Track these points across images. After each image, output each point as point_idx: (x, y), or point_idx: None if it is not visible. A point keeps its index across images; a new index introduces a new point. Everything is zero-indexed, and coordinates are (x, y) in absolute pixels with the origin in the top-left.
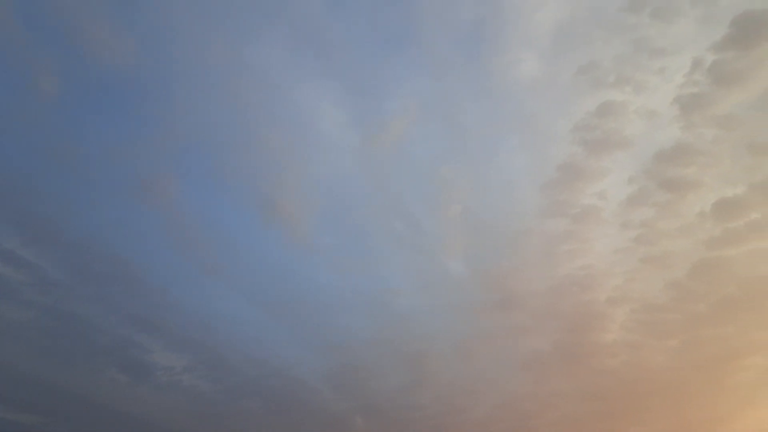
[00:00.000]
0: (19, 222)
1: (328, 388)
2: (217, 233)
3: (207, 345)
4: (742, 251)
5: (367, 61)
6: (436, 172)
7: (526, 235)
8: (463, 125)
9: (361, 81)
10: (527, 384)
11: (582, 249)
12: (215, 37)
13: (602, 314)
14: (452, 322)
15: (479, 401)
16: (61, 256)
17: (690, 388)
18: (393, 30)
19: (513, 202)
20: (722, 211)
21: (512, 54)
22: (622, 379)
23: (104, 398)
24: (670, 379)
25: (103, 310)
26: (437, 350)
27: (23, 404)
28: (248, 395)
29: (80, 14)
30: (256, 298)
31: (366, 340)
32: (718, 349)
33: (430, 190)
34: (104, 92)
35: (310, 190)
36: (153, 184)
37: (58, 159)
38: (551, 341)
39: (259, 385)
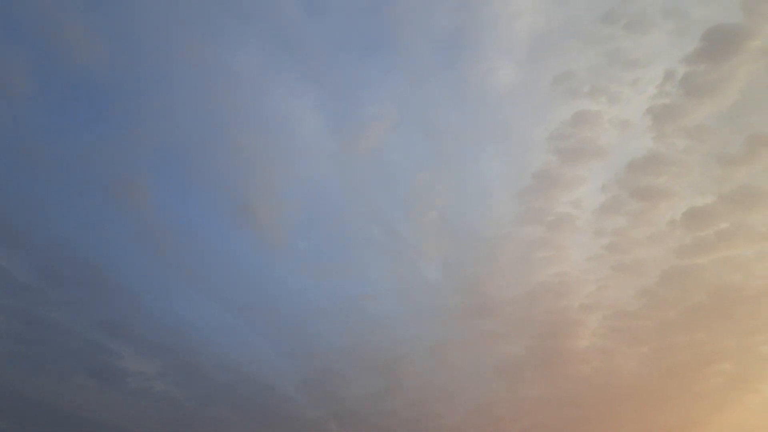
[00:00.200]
0: None
1: (301, 395)
2: (191, 237)
3: (179, 350)
4: (711, 259)
5: (346, 66)
6: (413, 178)
7: (502, 241)
8: (440, 132)
9: (339, 86)
10: (501, 390)
11: (556, 256)
12: (192, 39)
13: (576, 321)
14: (428, 328)
15: (454, 407)
16: (30, 260)
17: (661, 394)
18: (371, 35)
19: (489, 209)
20: (692, 220)
21: (490, 62)
22: (594, 385)
23: (73, 404)
24: (642, 385)
25: (72, 315)
26: (412, 356)
27: None
28: (220, 401)
29: (54, 14)
30: (230, 303)
31: (341, 346)
32: (688, 356)
33: (407, 195)
34: (77, 93)
35: (286, 195)
36: (125, 187)
37: (29, 160)
38: (525, 347)
39: (231, 392)
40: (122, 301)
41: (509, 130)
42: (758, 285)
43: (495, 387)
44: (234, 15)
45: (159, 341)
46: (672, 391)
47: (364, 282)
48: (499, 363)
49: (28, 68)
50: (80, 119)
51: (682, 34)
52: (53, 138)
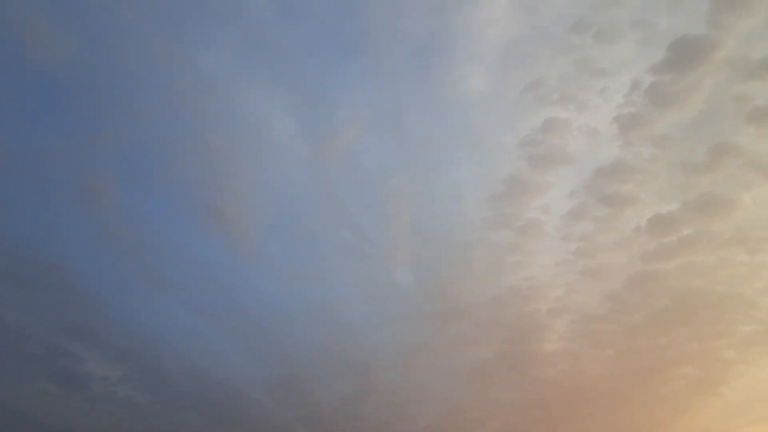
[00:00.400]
0: None
1: (270, 400)
2: (158, 240)
3: (145, 355)
4: (675, 265)
5: (318, 70)
6: (384, 183)
7: (473, 246)
8: (412, 137)
9: (312, 89)
10: (471, 393)
11: (526, 261)
12: (163, 39)
13: (544, 325)
14: (398, 332)
15: (423, 411)
16: None
17: (626, 396)
18: (345, 40)
19: (460, 214)
20: (657, 227)
21: (462, 68)
22: (561, 388)
23: (34, 410)
24: (607, 388)
25: (33, 318)
26: (382, 360)
27: None
28: (187, 407)
29: (16, 12)
30: (198, 306)
31: (310, 350)
32: (652, 359)
33: (378, 200)
34: (41, 91)
35: (256, 198)
36: (91, 188)
37: None
38: (495, 351)
39: (198, 397)
40: (86, 305)
41: (481, 136)
42: (720, 290)
43: (465, 390)
44: (205, 15)
45: (124, 345)
46: (636, 393)
47: (335, 286)
48: (469, 366)
49: None
50: (44, 119)
51: (648, 45)
52: (16, 138)
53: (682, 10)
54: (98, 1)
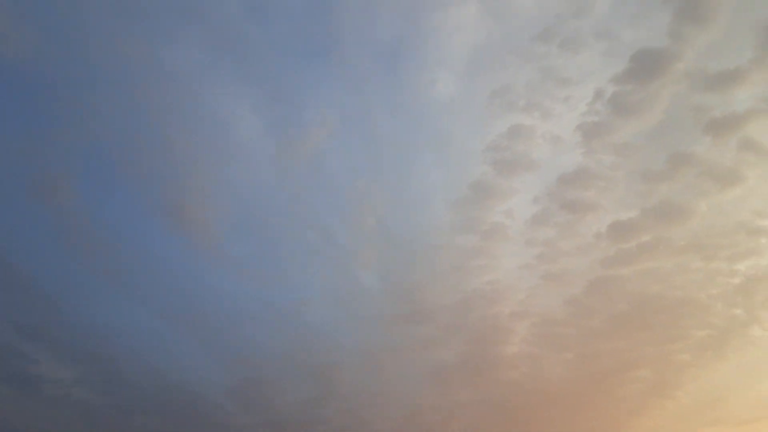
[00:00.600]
0: None
1: (231, 402)
2: (117, 239)
3: (101, 356)
4: (633, 271)
5: (286, 70)
6: (351, 185)
7: (438, 249)
8: (379, 140)
9: (279, 89)
10: (433, 396)
11: (490, 265)
12: (127, 35)
13: (506, 328)
14: (362, 335)
15: (385, 414)
16: None
17: (584, 398)
18: (313, 40)
19: (426, 218)
20: (617, 233)
21: (430, 73)
22: (522, 390)
23: None
24: (567, 390)
25: None
26: (345, 363)
27: None
28: (145, 410)
29: None
30: (158, 307)
31: (272, 353)
32: (610, 362)
33: (344, 202)
34: None
35: (221, 198)
36: (48, 186)
37: None
38: (457, 353)
39: (157, 400)
40: (40, 304)
41: (447, 140)
42: (677, 296)
43: (427, 393)
44: (170, 11)
45: (79, 347)
46: (594, 395)
47: (299, 288)
48: (432, 369)
49: None
50: (0, 115)
51: (612, 55)
52: None
53: (644, 22)
54: None
